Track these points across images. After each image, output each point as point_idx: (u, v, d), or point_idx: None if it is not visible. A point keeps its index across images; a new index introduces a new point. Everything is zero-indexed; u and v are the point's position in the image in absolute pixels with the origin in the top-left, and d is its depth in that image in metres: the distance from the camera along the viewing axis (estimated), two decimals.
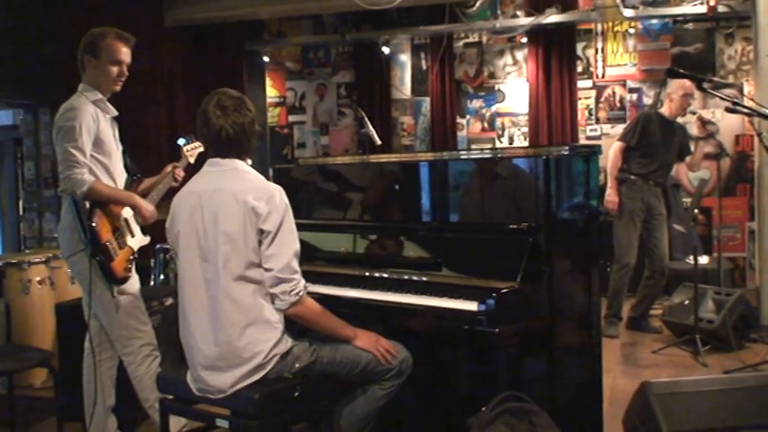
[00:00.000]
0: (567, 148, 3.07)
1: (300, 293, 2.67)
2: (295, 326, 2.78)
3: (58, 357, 4.05)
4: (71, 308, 3.93)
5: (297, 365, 2.71)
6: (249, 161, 2.83)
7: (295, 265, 2.67)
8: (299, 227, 2.77)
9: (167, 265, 5.28)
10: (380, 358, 2.81)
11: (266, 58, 8.51)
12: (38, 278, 4.81)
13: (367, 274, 3.25)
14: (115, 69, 3.35)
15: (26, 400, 4.35)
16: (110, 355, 3.51)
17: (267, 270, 2.64)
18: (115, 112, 3.45)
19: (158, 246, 5.15)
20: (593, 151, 3.28)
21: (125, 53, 3.38)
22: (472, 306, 2.76)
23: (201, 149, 3.79)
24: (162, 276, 5.31)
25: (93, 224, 3.21)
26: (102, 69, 3.34)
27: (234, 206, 2.65)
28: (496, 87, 8.05)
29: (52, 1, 6.42)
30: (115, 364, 3.54)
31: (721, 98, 3.59)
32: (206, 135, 2.77)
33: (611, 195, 5.50)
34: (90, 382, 3.46)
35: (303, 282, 2.69)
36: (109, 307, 3.34)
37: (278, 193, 2.68)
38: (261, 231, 2.63)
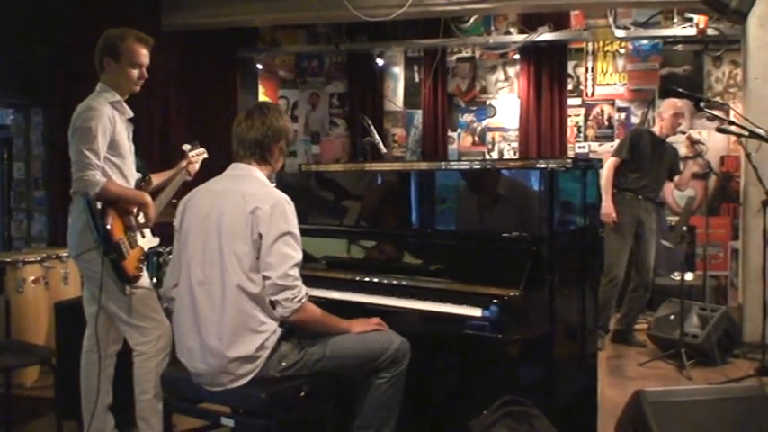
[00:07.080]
0: (569, 160, 3.15)
1: (302, 300, 2.70)
2: (283, 326, 2.78)
3: (55, 356, 4.04)
4: (70, 307, 3.93)
5: (284, 364, 2.74)
6: (266, 172, 2.89)
7: (295, 272, 2.69)
8: (306, 232, 2.83)
9: (160, 268, 5.27)
10: (377, 330, 2.91)
11: (260, 66, 8.52)
12: (32, 278, 4.79)
13: (370, 279, 3.30)
14: (135, 72, 3.36)
15: (18, 399, 4.33)
16: (109, 353, 3.50)
17: (266, 278, 2.68)
18: (131, 114, 3.44)
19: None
20: (593, 165, 3.38)
21: (144, 55, 3.38)
22: (476, 312, 2.83)
23: (206, 156, 3.84)
24: (155, 280, 5.30)
25: (108, 225, 3.23)
26: (123, 72, 3.33)
27: (240, 209, 2.70)
28: (488, 102, 8.17)
29: (47, 1, 6.41)
30: (113, 362, 3.53)
31: (719, 118, 3.68)
32: (237, 137, 2.87)
33: (606, 209, 5.52)
34: (89, 379, 3.45)
35: (304, 289, 2.73)
36: (123, 303, 3.33)
37: (284, 202, 2.73)
38: (260, 236, 2.67)
